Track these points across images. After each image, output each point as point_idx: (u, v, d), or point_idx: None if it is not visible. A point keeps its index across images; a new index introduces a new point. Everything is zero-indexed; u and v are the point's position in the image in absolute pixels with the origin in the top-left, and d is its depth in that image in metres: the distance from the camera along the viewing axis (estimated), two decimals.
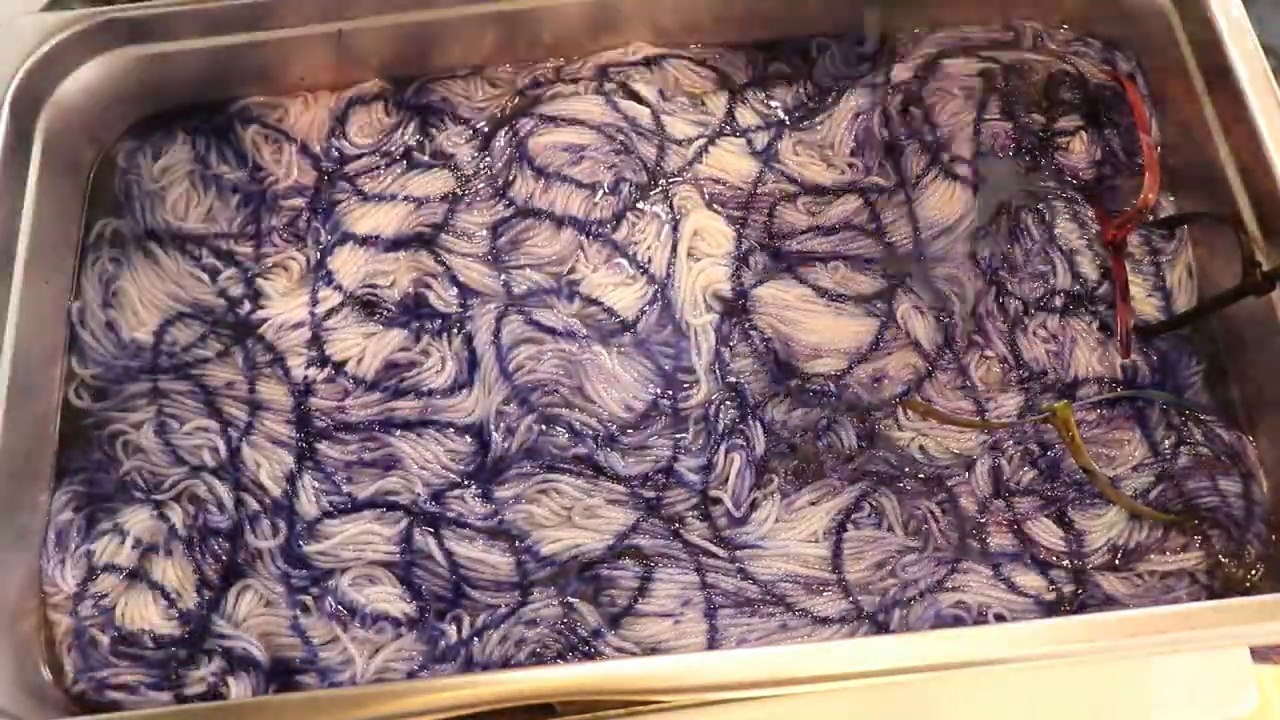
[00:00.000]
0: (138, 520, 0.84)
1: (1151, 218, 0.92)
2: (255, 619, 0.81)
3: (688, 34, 1.00)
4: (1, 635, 0.78)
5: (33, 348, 0.85)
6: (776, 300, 0.89)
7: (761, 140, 0.96)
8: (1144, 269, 0.91)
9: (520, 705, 0.68)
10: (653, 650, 0.79)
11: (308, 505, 0.84)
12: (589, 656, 0.79)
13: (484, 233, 0.93)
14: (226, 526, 0.83)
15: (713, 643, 0.79)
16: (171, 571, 0.82)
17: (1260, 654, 0.81)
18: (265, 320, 0.90)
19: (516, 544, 0.82)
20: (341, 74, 0.98)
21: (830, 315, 0.89)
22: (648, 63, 0.99)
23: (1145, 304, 0.90)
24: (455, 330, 0.89)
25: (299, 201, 0.95)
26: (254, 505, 0.84)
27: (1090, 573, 0.81)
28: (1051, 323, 0.89)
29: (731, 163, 0.95)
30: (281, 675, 0.80)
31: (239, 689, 0.79)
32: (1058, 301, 0.90)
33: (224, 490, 0.84)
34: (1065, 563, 0.81)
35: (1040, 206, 0.93)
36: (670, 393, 0.87)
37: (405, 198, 0.94)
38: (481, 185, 0.95)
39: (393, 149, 0.97)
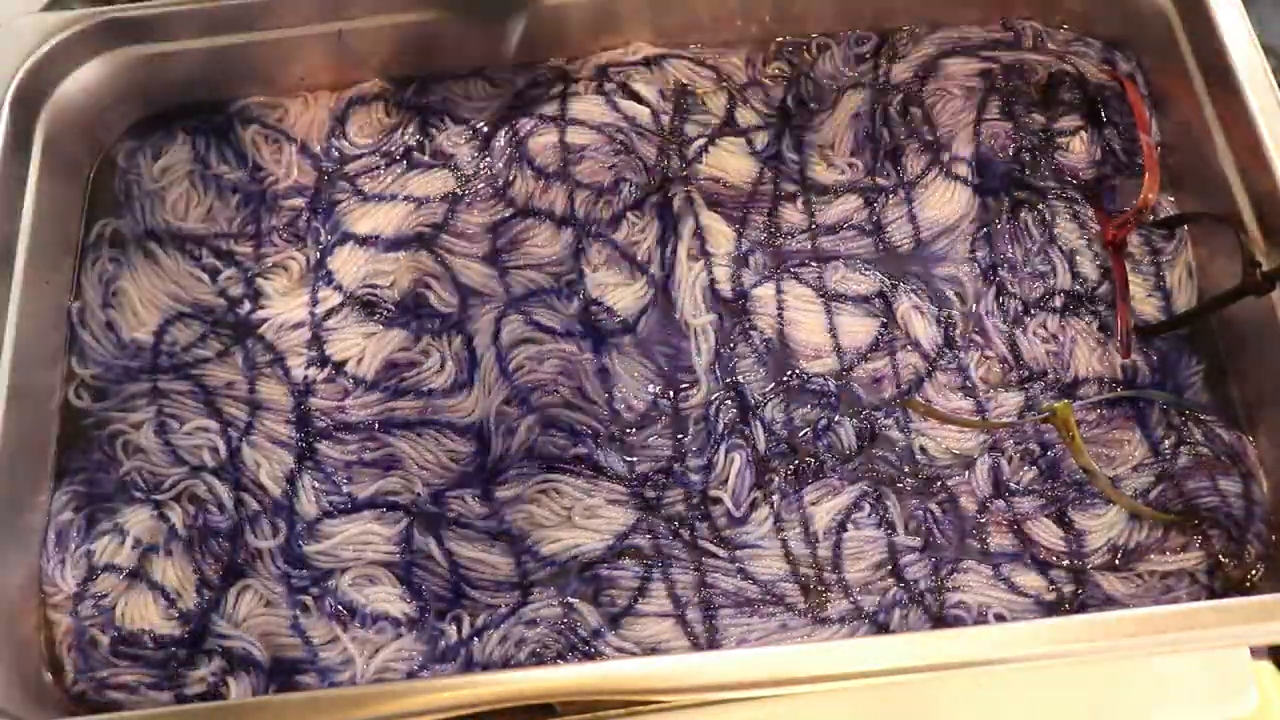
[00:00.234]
0: (138, 520, 0.84)
1: (1151, 218, 0.92)
2: (255, 619, 0.81)
3: (688, 34, 1.00)
4: (1, 635, 0.78)
5: (33, 348, 0.85)
6: (776, 300, 0.89)
7: (761, 140, 0.96)
8: (1144, 269, 0.91)
9: (520, 705, 0.68)
10: (653, 650, 0.79)
11: (308, 505, 0.84)
12: (589, 656, 0.79)
13: (484, 233, 0.93)
14: (226, 526, 0.83)
15: (713, 643, 0.79)
16: (171, 571, 0.82)
17: (1260, 653, 0.81)
18: (265, 320, 0.90)
19: (516, 544, 0.82)
20: (341, 74, 0.98)
21: (830, 315, 0.89)
22: (648, 63, 0.99)
23: (1145, 304, 0.90)
24: (455, 330, 0.89)
25: (299, 201, 0.95)
26: (254, 505, 0.84)
27: (1090, 573, 0.81)
28: (1051, 323, 0.89)
29: (731, 163, 0.95)
30: (281, 675, 0.80)
31: (239, 689, 0.79)
32: (1058, 301, 0.90)
33: (224, 490, 0.84)
34: (1065, 563, 0.81)
35: (1040, 206, 0.93)
36: (670, 393, 0.87)
37: (405, 198, 0.94)
38: (481, 185, 0.95)
39: (393, 149, 0.97)
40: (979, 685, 0.78)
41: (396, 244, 0.92)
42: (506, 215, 0.93)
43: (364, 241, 0.92)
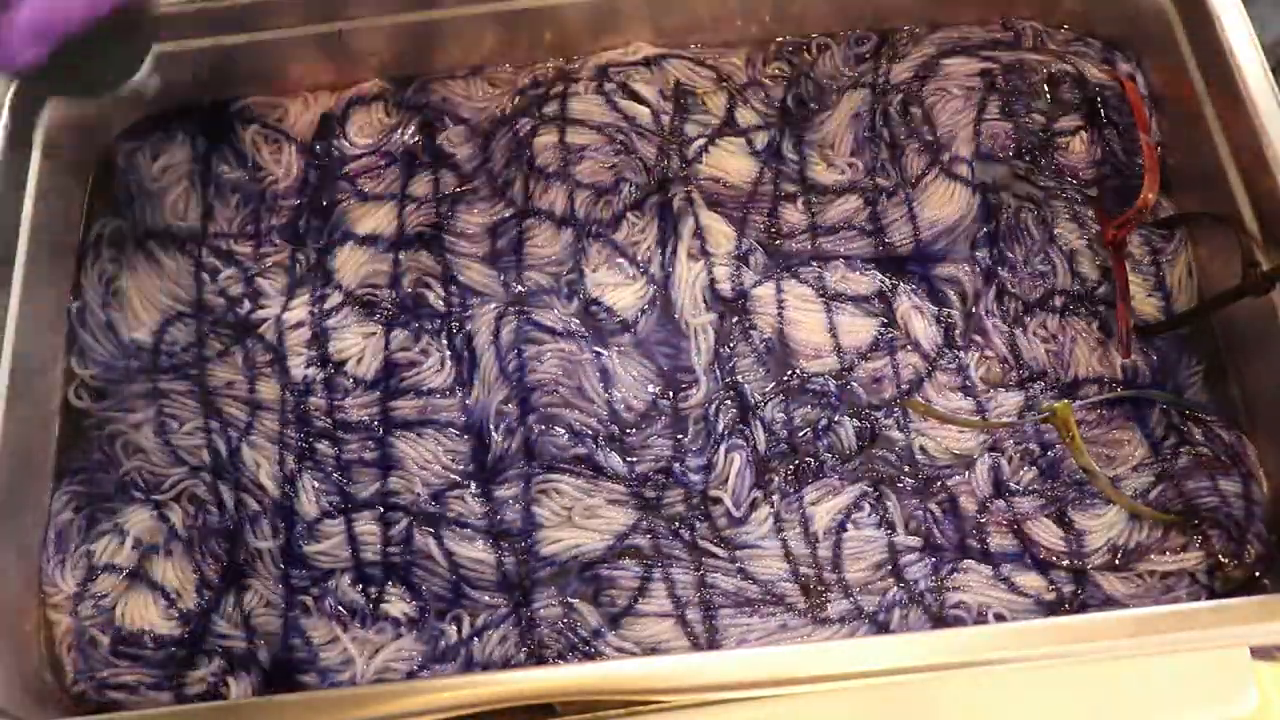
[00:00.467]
0: (138, 520, 0.84)
1: (1151, 218, 0.92)
2: (255, 619, 0.81)
3: (688, 34, 1.00)
4: (1, 635, 0.78)
5: (33, 348, 0.85)
6: (776, 300, 0.89)
7: (761, 140, 0.96)
8: (1144, 269, 0.91)
9: (520, 705, 0.68)
10: (653, 650, 0.79)
11: (308, 505, 0.84)
12: (589, 656, 0.79)
13: (484, 233, 0.93)
14: (226, 527, 0.83)
15: (713, 643, 0.79)
16: (171, 571, 0.82)
17: (1260, 652, 0.81)
18: (265, 320, 0.90)
19: (516, 544, 0.82)
20: (341, 74, 0.98)
21: (830, 315, 0.89)
22: (648, 63, 0.99)
23: (1145, 304, 0.90)
24: (455, 330, 0.89)
25: (299, 201, 0.95)
26: (254, 505, 0.84)
27: (1090, 573, 0.81)
28: (1051, 322, 0.89)
29: (731, 162, 0.95)
30: (281, 675, 0.80)
31: (239, 689, 0.79)
32: (1058, 301, 0.89)
33: (224, 490, 0.84)
34: (1065, 563, 0.81)
35: (1040, 206, 0.93)
36: (670, 393, 0.87)
37: (405, 198, 0.94)
38: (481, 185, 0.95)
39: (393, 149, 0.97)
40: (979, 685, 0.78)
41: (396, 244, 0.92)
42: (506, 215, 0.93)
43: (364, 241, 0.92)
